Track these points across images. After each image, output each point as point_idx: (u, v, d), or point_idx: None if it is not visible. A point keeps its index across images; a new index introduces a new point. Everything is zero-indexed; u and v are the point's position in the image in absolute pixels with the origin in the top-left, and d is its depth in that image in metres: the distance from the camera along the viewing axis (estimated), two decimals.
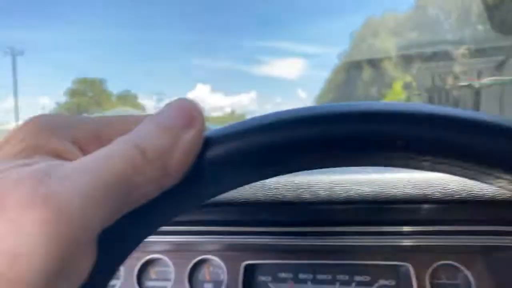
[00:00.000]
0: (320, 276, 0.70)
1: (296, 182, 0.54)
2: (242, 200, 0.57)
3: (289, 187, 0.54)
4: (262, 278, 0.71)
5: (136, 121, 0.25)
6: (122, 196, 0.21)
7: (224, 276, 0.70)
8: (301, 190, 0.53)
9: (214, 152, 0.25)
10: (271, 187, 0.55)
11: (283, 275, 0.71)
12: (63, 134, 0.23)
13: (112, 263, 0.24)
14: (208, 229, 0.68)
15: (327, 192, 0.52)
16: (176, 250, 0.72)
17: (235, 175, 0.26)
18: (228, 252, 0.69)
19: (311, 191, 0.53)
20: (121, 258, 0.25)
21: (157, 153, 0.22)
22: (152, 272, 0.73)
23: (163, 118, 0.23)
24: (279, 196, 0.54)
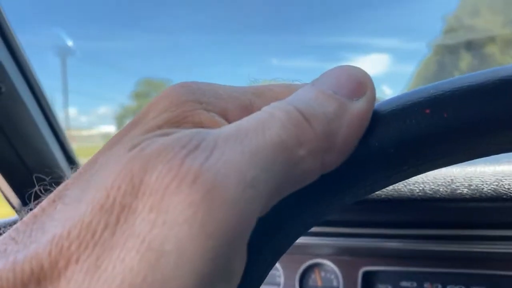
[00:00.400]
0: (451, 287, 0.61)
1: (449, 175, 0.46)
2: (379, 196, 0.50)
3: (441, 181, 0.46)
4: (381, 286, 0.64)
5: (292, 91, 0.21)
6: (283, 172, 0.17)
7: (338, 283, 0.64)
8: (457, 184, 0.45)
9: (389, 129, 0.20)
10: (418, 180, 0.47)
11: (406, 284, 0.63)
12: (210, 105, 0.19)
13: (265, 263, 0.20)
14: (322, 230, 0.62)
15: (492, 186, 0.44)
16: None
17: (415, 160, 0.20)
18: (344, 257, 0.63)
19: (470, 185, 0.44)
20: (275, 255, 0.21)
21: (322, 121, 0.18)
22: None
23: (326, 84, 0.20)
24: (429, 192, 0.46)
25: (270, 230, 0.19)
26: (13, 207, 0.67)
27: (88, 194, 0.16)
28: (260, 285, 0.21)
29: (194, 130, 0.17)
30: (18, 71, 0.62)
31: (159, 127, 0.18)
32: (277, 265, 0.67)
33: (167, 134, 0.17)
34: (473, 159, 0.21)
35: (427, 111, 0.19)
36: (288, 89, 0.21)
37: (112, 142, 0.18)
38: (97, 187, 0.16)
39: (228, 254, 0.15)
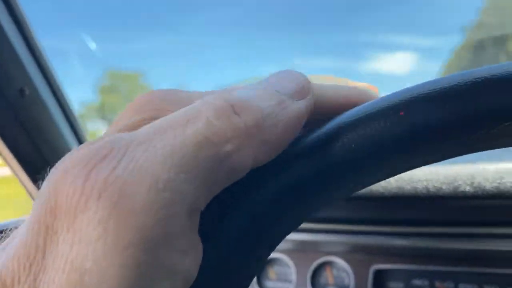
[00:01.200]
0: (463, 286, 0.62)
1: (452, 172, 0.47)
2: (382, 194, 0.51)
3: (444, 178, 0.47)
4: (393, 284, 0.65)
5: None
6: (208, 169, 0.16)
7: (350, 281, 0.65)
8: (459, 182, 0.46)
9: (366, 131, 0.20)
10: (422, 178, 0.48)
11: (417, 282, 0.64)
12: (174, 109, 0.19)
13: (232, 258, 0.20)
14: (333, 227, 0.64)
15: (495, 184, 0.45)
16: (297, 250, 0.68)
17: (392, 162, 0.21)
18: (355, 255, 0.65)
19: (473, 182, 0.45)
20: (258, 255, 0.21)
21: (255, 114, 0.18)
22: (272, 272, 0.71)
23: (270, 83, 0.20)
24: (432, 190, 0.47)
25: (251, 232, 0.19)
26: None
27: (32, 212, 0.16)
28: (253, 277, 0.21)
29: (112, 136, 0.17)
30: (40, 74, 0.66)
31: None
32: (289, 262, 0.69)
33: (96, 142, 0.17)
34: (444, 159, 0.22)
35: (402, 113, 0.19)
36: None
37: None
38: (34, 205, 0.16)
39: (157, 257, 0.15)
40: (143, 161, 0.15)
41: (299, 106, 0.19)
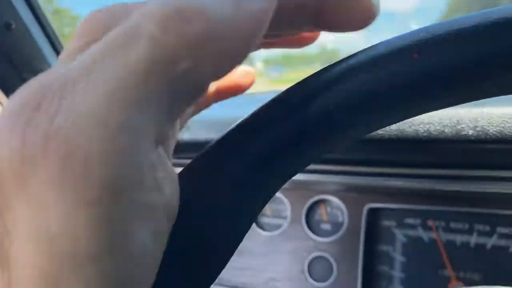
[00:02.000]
0: (454, 224, 0.62)
1: (455, 116, 0.45)
2: (382, 137, 0.49)
3: (447, 122, 0.45)
4: (385, 222, 0.65)
5: None
6: (164, 93, 0.14)
7: (344, 218, 0.66)
8: (462, 125, 0.44)
9: (378, 73, 0.19)
10: (424, 121, 0.46)
11: (410, 220, 0.64)
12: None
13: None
14: (328, 168, 0.63)
15: (498, 128, 0.43)
16: (292, 189, 0.68)
17: (406, 103, 0.20)
18: (350, 193, 0.64)
19: (475, 126, 0.44)
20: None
21: (210, 20, 0.14)
22: (268, 208, 0.71)
23: None
24: (434, 133, 0.45)
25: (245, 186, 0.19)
26: None
27: None
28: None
29: (41, 78, 0.14)
30: (27, 7, 0.62)
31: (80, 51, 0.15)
32: (285, 200, 0.69)
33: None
34: (458, 104, 0.21)
35: (415, 55, 0.18)
36: None
37: None
38: None
39: (128, 203, 0.13)
40: (85, 102, 0.13)
41: (259, 5, 0.15)
